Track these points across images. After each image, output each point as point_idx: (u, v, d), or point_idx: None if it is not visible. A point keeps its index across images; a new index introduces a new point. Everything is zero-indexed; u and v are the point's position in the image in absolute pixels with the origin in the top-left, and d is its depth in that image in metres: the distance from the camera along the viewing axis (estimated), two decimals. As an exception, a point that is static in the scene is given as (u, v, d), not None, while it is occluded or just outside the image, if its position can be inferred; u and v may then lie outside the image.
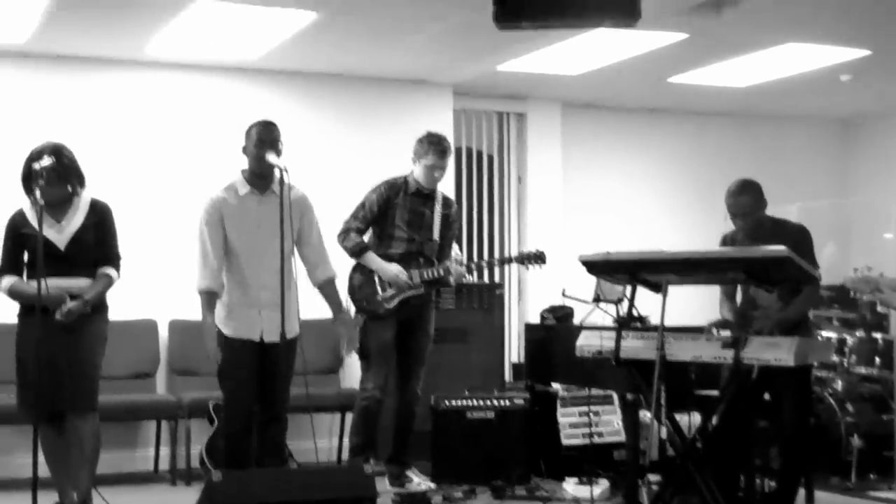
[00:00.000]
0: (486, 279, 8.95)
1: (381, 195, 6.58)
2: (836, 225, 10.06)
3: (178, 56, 7.78)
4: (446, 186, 8.74)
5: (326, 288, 5.93)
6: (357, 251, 6.54)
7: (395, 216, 6.55)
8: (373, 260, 6.51)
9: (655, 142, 10.10)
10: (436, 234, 6.64)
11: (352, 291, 6.57)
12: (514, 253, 6.97)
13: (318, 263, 5.90)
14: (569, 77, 8.55)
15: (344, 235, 6.54)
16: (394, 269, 6.45)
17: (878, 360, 7.29)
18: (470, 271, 6.83)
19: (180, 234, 7.10)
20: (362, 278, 6.53)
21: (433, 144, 6.58)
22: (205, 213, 5.70)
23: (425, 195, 6.62)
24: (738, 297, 5.88)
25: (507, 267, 9.35)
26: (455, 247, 6.92)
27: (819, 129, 10.77)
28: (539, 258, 6.79)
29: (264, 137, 5.61)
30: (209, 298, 5.67)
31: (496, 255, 6.69)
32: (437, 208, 6.68)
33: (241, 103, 7.96)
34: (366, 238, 6.62)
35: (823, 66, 8.20)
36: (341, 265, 6.43)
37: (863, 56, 7.90)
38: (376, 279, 6.50)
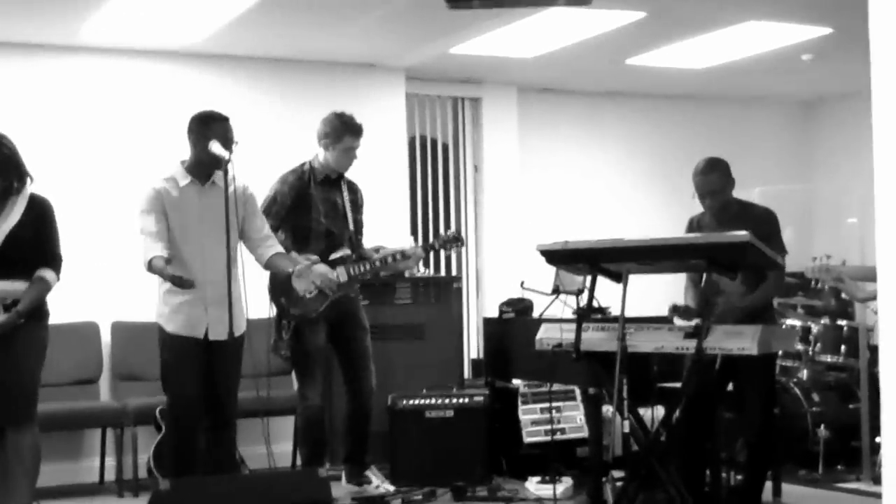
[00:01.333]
0: (442, 272, 8.95)
1: (293, 185, 6.35)
2: (799, 210, 10.11)
3: (114, 40, 7.68)
4: (401, 178, 8.75)
5: (276, 259, 5.83)
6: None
7: (311, 208, 6.38)
8: (296, 261, 6.33)
9: (614, 126, 10.12)
10: (351, 224, 6.50)
11: (274, 295, 6.36)
12: (431, 240, 6.81)
13: (264, 242, 5.82)
14: (524, 60, 8.54)
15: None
16: (322, 270, 6.24)
17: (843, 348, 7.33)
18: (427, 251, 6.70)
19: (122, 229, 7.01)
20: (285, 280, 6.37)
21: (347, 124, 6.41)
22: (145, 201, 5.60)
23: (333, 181, 6.47)
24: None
25: (463, 258, 9.34)
26: (410, 238, 6.84)
27: (780, 111, 10.83)
28: (456, 240, 6.67)
29: (220, 129, 5.54)
30: (159, 263, 5.49)
31: (419, 243, 6.55)
32: (346, 195, 6.54)
33: (182, 90, 7.88)
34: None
35: (784, 46, 8.24)
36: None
37: (825, 35, 7.94)
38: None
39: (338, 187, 6.48)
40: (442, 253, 9.20)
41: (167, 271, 5.39)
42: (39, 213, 5.38)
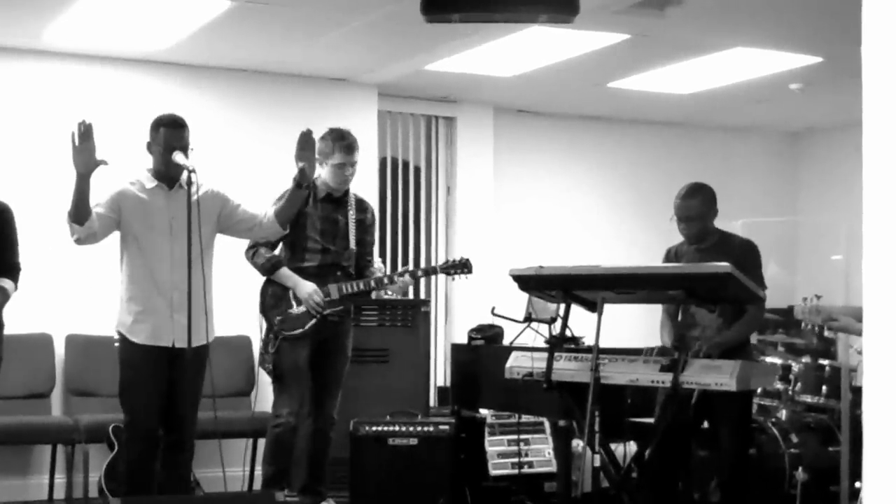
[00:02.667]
0: (410, 295, 8.94)
1: None
2: (782, 244, 10.19)
3: (78, 45, 7.68)
4: (369, 197, 8.75)
5: (276, 210, 5.88)
6: (269, 268, 6.41)
7: (306, 225, 6.43)
8: (286, 276, 6.40)
9: (593, 151, 10.16)
10: (352, 243, 6.57)
11: (264, 309, 6.47)
12: (440, 262, 6.87)
13: (258, 215, 5.88)
14: (501, 79, 8.58)
15: (253, 251, 6.40)
16: (308, 289, 6.35)
17: (824, 388, 7.36)
18: (415, 278, 6.72)
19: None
20: (275, 294, 6.44)
21: (338, 141, 6.47)
22: (102, 196, 5.58)
23: (336, 200, 6.54)
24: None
25: (433, 281, 9.36)
26: (378, 261, 6.85)
27: (766, 142, 10.91)
28: (464, 266, 6.74)
29: (174, 144, 5.55)
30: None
31: (420, 265, 6.62)
32: (351, 214, 6.60)
33: (147, 98, 7.88)
34: (277, 251, 6.52)
35: (772, 74, 8.31)
36: (252, 280, 6.38)
37: (815, 64, 8.02)
38: (291, 296, 6.42)
39: (342, 205, 6.55)
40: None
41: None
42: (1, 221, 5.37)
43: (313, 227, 6.43)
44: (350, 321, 6.67)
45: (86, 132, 5.21)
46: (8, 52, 7.72)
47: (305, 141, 5.75)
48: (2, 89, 7.76)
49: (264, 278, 6.50)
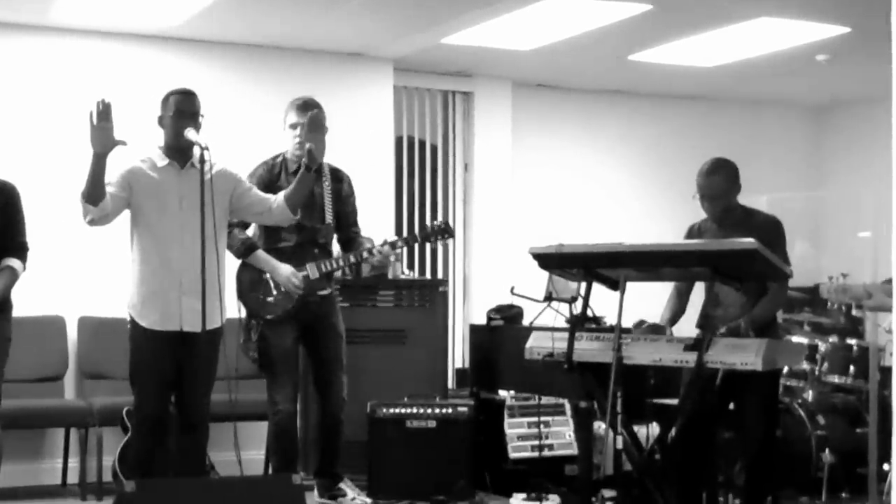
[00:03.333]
0: (427, 274, 8.95)
1: (262, 178, 6.34)
2: (808, 220, 10.16)
3: (87, 21, 7.69)
4: (386, 175, 8.75)
5: (288, 191, 5.85)
6: (244, 251, 6.31)
7: None
8: (262, 259, 6.31)
9: (614, 126, 10.14)
10: (329, 217, 6.49)
11: (241, 294, 6.37)
12: (415, 231, 6.77)
13: (268, 199, 5.85)
14: (520, 52, 8.55)
15: (227, 233, 6.10)
16: (286, 272, 6.28)
17: (852, 368, 7.32)
18: (395, 248, 6.56)
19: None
20: (252, 278, 6.36)
21: (292, 102, 6.42)
22: (112, 175, 5.57)
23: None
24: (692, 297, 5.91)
25: (450, 260, 9.36)
26: (367, 239, 6.72)
27: (792, 115, 10.87)
28: (444, 231, 6.65)
29: (183, 109, 5.56)
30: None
31: (397, 237, 6.49)
32: (326, 184, 6.51)
33: (159, 75, 7.87)
34: (250, 232, 6.45)
35: (798, 45, 8.27)
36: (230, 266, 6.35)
37: (842, 34, 7.98)
38: (268, 278, 6.35)
39: (317, 177, 6.45)
40: (428, 251, 9.21)
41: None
42: (5, 200, 5.41)
43: None
44: (334, 299, 6.58)
45: (104, 111, 5.20)
46: (15, 28, 7.72)
47: (314, 122, 5.73)
48: (9, 67, 7.76)
49: (239, 263, 6.41)
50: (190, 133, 5.48)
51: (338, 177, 6.61)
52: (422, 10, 7.36)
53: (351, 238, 6.58)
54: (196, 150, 5.48)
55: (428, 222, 6.98)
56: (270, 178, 6.34)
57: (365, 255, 6.45)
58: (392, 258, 6.87)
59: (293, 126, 6.33)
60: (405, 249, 6.64)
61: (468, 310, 9.35)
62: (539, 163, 9.79)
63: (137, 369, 5.63)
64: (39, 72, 7.82)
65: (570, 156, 9.96)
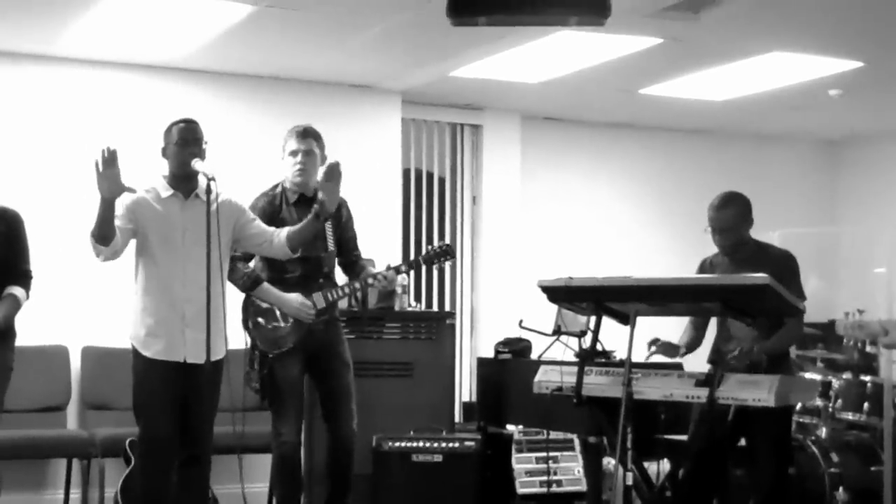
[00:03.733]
0: (434, 307, 8.94)
1: (264, 211, 6.26)
2: (822, 256, 10.12)
3: (94, 52, 7.72)
4: (394, 207, 8.77)
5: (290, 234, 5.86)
6: (250, 285, 6.26)
7: None
8: (268, 293, 6.27)
9: (624, 159, 10.15)
10: (331, 245, 6.46)
11: (248, 326, 6.35)
12: (422, 254, 6.75)
13: (272, 233, 5.85)
14: (529, 85, 8.57)
15: (230, 267, 6.07)
16: (296, 302, 6.25)
17: (866, 405, 7.30)
18: (399, 273, 6.51)
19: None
20: (258, 309, 6.36)
21: (291, 130, 6.41)
22: (118, 207, 5.57)
23: (309, 200, 6.38)
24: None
25: (458, 292, 9.36)
26: (369, 262, 6.71)
27: (804, 150, 10.87)
28: (446, 253, 6.62)
29: (186, 137, 5.57)
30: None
31: (401, 262, 6.46)
32: None
33: (167, 106, 7.89)
34: (252, 264, 6.44)
35: (811, 80, 8.28)
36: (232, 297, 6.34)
37: (855, 69, 7.98)
38: (276, 310, 6.34)
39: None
40: (435, 283, 9.20)
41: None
42: (9, 227, 5.41)
43: None
44: (339, 328, 6.55)
45: (110, 158, 5.22)
46: (23, 58, 7.76)
47: (331, 172, 5.75)
48: (17, 96, 7.80)
49: (244, 296, 6.39)
50: (197, 164, 5.49)
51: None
52: (431, 43, 7.38)
53: (353, 262, 6.56)
54: (201, 180, 5.49)
55: (429, 245, 6.95)
56: (273, 209, 6.33)
57: (370, 280, 6.44)
58: (398, 285, 6.85)
59: (293, 153, 6.33)
60: (412, 280, 6.60)
61: (476, 343, 9.34)
62: (548, 196, 9.80)
63: (142, 398, 5.62)
64: (46, 101, 7.86)
65: (579, 189, 9.97)
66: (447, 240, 9.42)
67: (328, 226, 6.37)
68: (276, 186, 6.41)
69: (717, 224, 5.71)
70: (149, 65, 8.02)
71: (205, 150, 5.59)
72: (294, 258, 6.16)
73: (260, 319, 6.27)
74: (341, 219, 6.50)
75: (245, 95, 8.37)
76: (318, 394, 6.49)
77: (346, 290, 6.43)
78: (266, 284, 6.25)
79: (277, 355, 6.25)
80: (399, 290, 7.52)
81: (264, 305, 6.27)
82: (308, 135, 6.28)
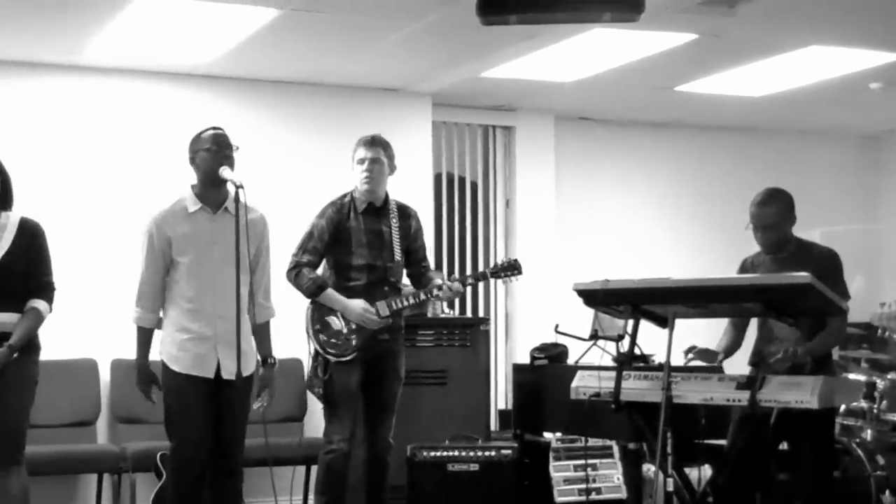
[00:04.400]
0: (468, 313, 8.93)
1: (331, 219, 6.41)
2: (865, 253, 10.07)
3: (120, 60, 7.76)
4: (425, 213, 8.76)
5: (261, 330, 5.87)
6: (315, 290, 6.37)
7: (350, 241, 6.41)
8: (333, 298, 6.37)
9: (660, 158, 10.12)
10: (398, 255, 6.52)
11: (312, 333, 6.45)
12: (489, 267, 6.80)
13: (264, 301, 5.86)
14: (563, 85, 8.56)
15: (296, 273, 6.34)
16: (358, 308, 6.32)
17: (912, 406, 7.27)
18: (465, 285, 6.60)
19: (124, 259, 7.01)
20: (323, 317, 6.42)
21: (360, 139, 6.48)
22: (146, 233, 5.64)
23: (378, 209, 6.48)
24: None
25: (492, 298, 9.36)
26: (437, 273, 6.80)
27: (845, 146, 10.81)
28: (514, 268, 6.65)
29: (219, 142, 5.58)
30: (141, 335, 5.67)
31: (468, 273, 6.52)
32: (395, 222, 6.56)
33: (191, 113, 7.93)
34: (320, 271, 6.51)
35: (851, 73, 8.24)
36: (296, 302, 6.37)
37: None
38: (339, 317, 6.40)
39: (384, 215, 6.50)
40: (469, 287, 9.21)
41: (136, 366, 5.67)
42: (31, 240, 5.43)
43: (358, 242, 6.39)
44: (402, 340, 6.61)
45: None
46: (50, 68, 7.81)
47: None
48: (45, 106, 7.84)
49: (309, 302, 6.47)
50: (225, 171, 5.50)
51: (406, 213, 6.65)
52: (461, 44, 7.38)
53: (421, 273, 6.62)
54: (230, 189, 5.50)
55: (498, 259, 7.01)
56: (340, 218, 6.42)
57: (435, 291, 6.47)
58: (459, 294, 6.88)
59: (360, 161, 6.41)
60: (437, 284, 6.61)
61: (511, 349, 9.32)
62: (583, 198, 9.78)
63: (174, 414, 5.64)
64: (73, 111, 7.91)
65: (615, 190, 9.95)
66: (480, 244, 9.42)
67: (396, 236, 6.48)
68: (345, 195, 6.50)
69: (759, 221, 5.67)
70: (174, 72, 8.05)
71: (234, 158, 5.60)
72: (360, 265, 6.29)
73: (324, 326, 6.34)
74: (410, 229, 6.59)
75: (272, 102, 8.39)
76: (363, 402, 6.51)
77: (412, 299, 6.46)
78: (331, 290, 6.33)
79: (338, 362, 6.30)
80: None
81: (328, 312, 6.33)
82: (376, 143, 6.41)
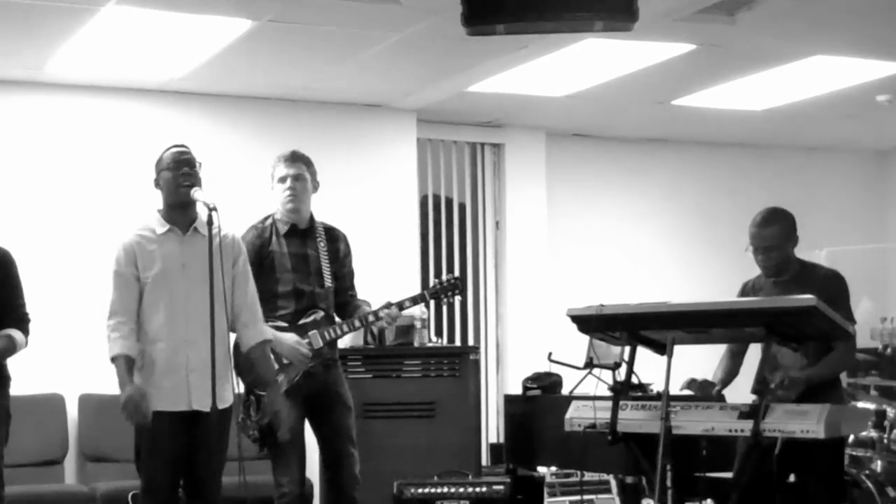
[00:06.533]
0: (457, 341, 8.94)
1: (252, 243, 6.23)
2: (872, 275, 10.10)
3: (84, 76, 7.78)
4: (411, 236, 8.78)
5: (258, 352, 5.84)
6: None
7: (273, 267, 6.28)
8: None
9: (657, 176, 10.15)
10: (328, 280, 6.45)
11: (240, 372, 6.33)
12: (428, 288, 6.73)
13: (250, 322, 5.82)
14: (554, 99, 8.59)
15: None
16: (290, 341, 6.22)
17: (925, 435, 7.29)
18: (402, 308, 6.43)
19: (90, 287, 7.02)
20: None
21: (280, 155, 6.41)
22: (115, 262, 5.60)
23: (303, 231, 6.42)
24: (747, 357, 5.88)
25: (482, 325, 9.36)
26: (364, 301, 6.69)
27: (851, 161, 10.86)
28: (454, 287, 6.59)
29: (178, 161, 5.54)
30: (124, 364, 5.61)
31: (405, 296, 6.44)
32: (322, 245, 6.48)
33: (162, 132, 7.87)
34: None
35: (857, 85, 8.29)
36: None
37: (904, 72, 7.99)
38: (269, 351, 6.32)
39: (310, 237, 6.39)
40: (458, 315, 9.20)
41: (127, 391, 5.42)
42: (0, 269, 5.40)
43: (282, 268, 6.27)
44: (339, 368, 6.52)
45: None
46: (7, 85, 7.81)
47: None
48: (4, 124, 7.83)
49: (234, 337, 6.38)
50: (196, 193, 5.49)
51: (334, 236, 6.55)
52: (446, 56, 7.41)
53: (347, 302, 6.52)
54: (200, 211, 5.49)
55: (437, 278, 6.92)
56: (261, 242, 6.32)
57: (371, 318, 6.39)
58: (416, 320, 6.83)
59: (282, 179, 6.34)
60: (432, 313, 6.57)
61: (502, 379, 9.33)
62: (576, 219, 9.81)
63: (143, 452, 5.61)
64: (34, 132, 7.91)
65: (610, 210, 9.97)
66: (469, 268, 9.43)
67: (324, 260, 6.37)
68: (266, 218, 6.39)
69: (759, 242, 5.69)
70: (144, 88, 8.06)
71: (199, 176, 5.57)
72: (286, 292, 6.19)
73: (251, 363, 6.23)
74: (338, 252, 6.46)
75: (246, 119, 8.40)
76: (316, 439, 6.46)
77: (345, 327, 6.38)
78: (263, 325, 6.23)
79: None
80: (418, 324, 7.52)
81: None
82: (297, 159, 6.31)
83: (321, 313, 6.34)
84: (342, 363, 6.59)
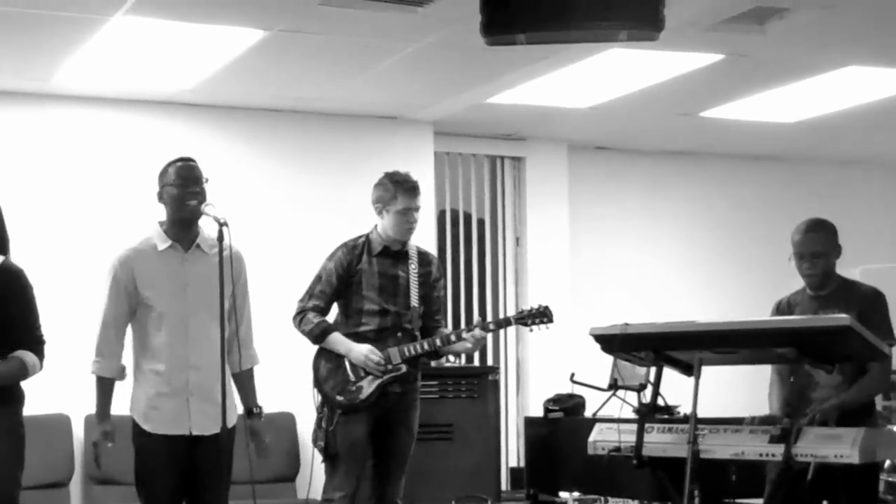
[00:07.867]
0: (475, 361, 8.93)
1: (341, 262, 6.45)
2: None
3: (92, 87, 7.81)
4: (428, 247, 8.77)
5: (244, 378, 5.84)
6: (318, 334, 6.42)
7: (361, 285, 6.46)
8: (338, 342, 6.41)
9: (683, 191, 10.14)
10: (414, 300, 6.55)
11: (318, 382, 6.46)
12: (515, 313, 6.80)
13: (243, 346, 5.82)
14: (577, 111, 8.59)
15: (300, 318, 6.41)
16: (363, 350, 6.37)
17: (964, 460, 7.26)
18: (487, 331, 6.54)
19: (98, 303, 7.03)
20: (330, 365, 6.42)
21: (399, 184, 6.49)
22: (109, 272, 5.57)
23: (395, 253, 6.54)
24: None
25: (502, 345, 9.35)
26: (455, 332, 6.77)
27: (886, 175, 10.83)
28: (543, 315, 6.65)
29: (186, 176, 5.53)
30: (101, 385, 5.64)
31: (490, 318, 6.49)
32: (413, 268, 6.60)
33: (171, 145, 7.79)
34: (330, 318, 6.54)
35: (892, 96, 8.26)
36: (289, 352, 6.36)
37: (940, 83, 7.98)
38: (347, 364, 6.42)
39: (402, 260, 6.54)
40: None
41: (98, 429, 5.57)
42: (12, 286, 5.34)
43: (370, 286, 6.42)
44: (416, 392, 6.62)
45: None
46: (15, 97, 7.84)
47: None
48: (12, 138, 7.86)
49: (316, 348, 6.50)
50: (207, 208, 5.48)
51: (426, 260, 6.67)
52: (465, 67, 7.41)
53: (432, 327, 6.61)
54: (205, 227, 5.49)
55: (526, 305, 6.98)
56: (350, 259, 6.45)
57: (453, 337, 6.47)
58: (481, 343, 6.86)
59: (405, 211, 6.42)
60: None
61: (523, 400, 9.32)
62: (599, 234, 9.80)
63: (143, 477, 5.60)
64: (43, 143, 7.93)
65: (634, 225, 9.96)
66: (488, 287, 9.43)
67: (414, 282, 6.48)
68: (359, 237, 6.53)
69: (806, 248, 5.62)
70: (153, 100, 8.08)
71: (204, 192, 5.55)
72: (371, 310, 6.34)
73: (330, 374, 6.35)
74: (430, 276, 6.59)
75: (257, 131, 8.41)
76: (372, 457, 6.50)
77: (426, 345, 6.45)
78: (337, 334, 6.35)
79: (344, 413, 6.32)
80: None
81: (336, 360, 6.35)
82: (418, 192, 6.48)
83: (404, 332, 6.42)
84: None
